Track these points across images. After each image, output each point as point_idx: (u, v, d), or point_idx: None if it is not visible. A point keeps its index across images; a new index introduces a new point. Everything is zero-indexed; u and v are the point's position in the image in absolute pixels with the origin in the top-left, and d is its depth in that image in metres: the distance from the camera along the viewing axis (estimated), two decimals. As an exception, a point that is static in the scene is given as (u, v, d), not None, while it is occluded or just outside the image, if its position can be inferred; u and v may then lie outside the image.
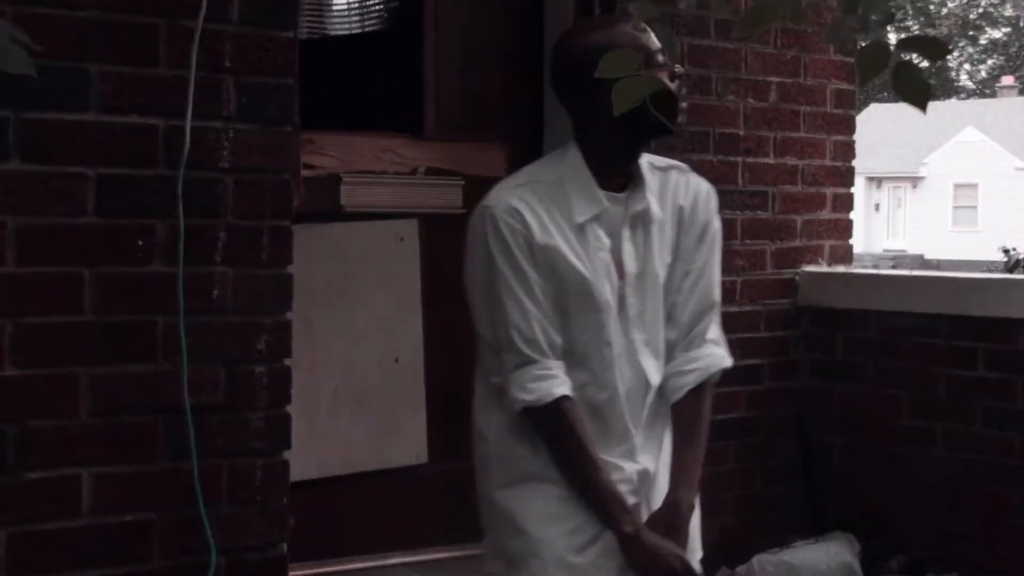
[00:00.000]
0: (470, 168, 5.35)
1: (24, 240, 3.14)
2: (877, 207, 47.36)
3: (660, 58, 3.16)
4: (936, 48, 2.23)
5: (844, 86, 6.06)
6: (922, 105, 2.25)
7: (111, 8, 3.20)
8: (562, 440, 3.15)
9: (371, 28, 7.13)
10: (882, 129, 44.82)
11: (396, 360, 5.24)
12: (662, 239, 3.27)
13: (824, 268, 5.96)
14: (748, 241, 5.74)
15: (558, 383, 3.13)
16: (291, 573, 4.75)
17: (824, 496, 5.84)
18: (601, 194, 3.18)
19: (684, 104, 3.34)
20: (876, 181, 47.12)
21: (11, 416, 3.16)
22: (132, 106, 3.22)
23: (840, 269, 6.00)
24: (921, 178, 46.36)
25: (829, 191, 6.04)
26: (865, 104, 47.95)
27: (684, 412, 3.29)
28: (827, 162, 6.02)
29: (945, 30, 49.36)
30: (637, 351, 3.23)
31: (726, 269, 5.56)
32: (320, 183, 5.07)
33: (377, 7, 7.12)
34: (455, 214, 5.29)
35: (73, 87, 3.15)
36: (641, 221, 3.23)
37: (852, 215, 6.17)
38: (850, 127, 6.14)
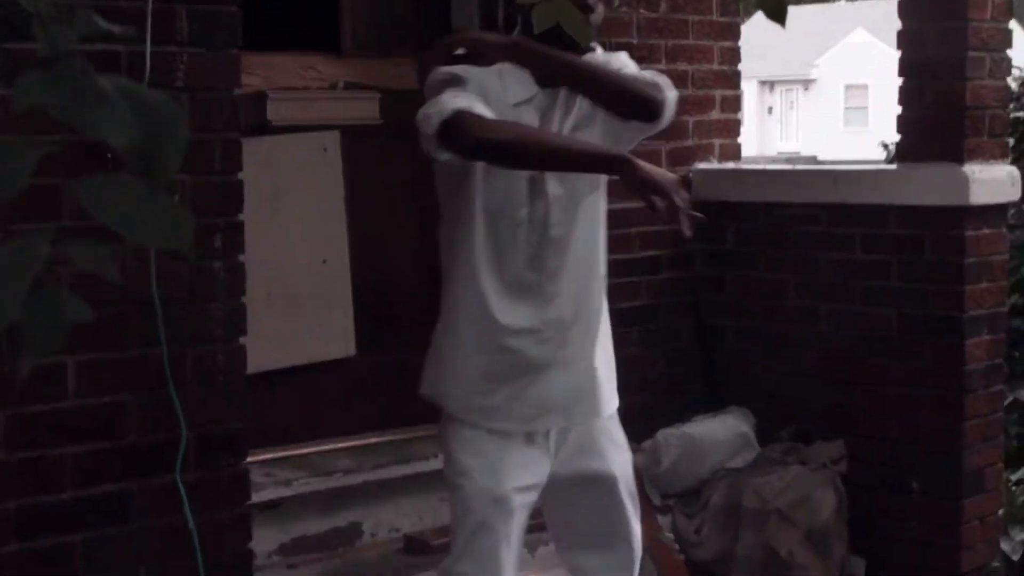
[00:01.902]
0: (385, 82, 5.73)
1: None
2: (770, 110, 47.94)
3: None
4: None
5: (729, -5, 6.51)
6: (780, 20, 2.67)
7: (70, -53, 3.57)
8: (497, 131, 3.41)
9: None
10: (772, 33, 45.18)
11: (324, 262, 5.62)
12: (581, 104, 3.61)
13: (715, 165, 6.40)
14: (644, 141, 6.12)
15: (475, 102, 3.41)
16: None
17: (721, 375, 6.30)
18: (533, 82, 3.52)
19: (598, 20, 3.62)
20: (768, 85, 47.62)
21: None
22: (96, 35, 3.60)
23: (730, 165, 6.45)
24: (812, 80, 46.94)
25: (718, 93, 6.48)
26: (756, 9, 48.41)
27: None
28: (715, 67, 6.45)
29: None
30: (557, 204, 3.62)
31: (625, 168, 6.02)
32: (248, 100, 5.41)
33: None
34: (373, 125, 5.71)
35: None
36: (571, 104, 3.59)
37: (740, 116, 6.62)
38: (735, 33, 6.57)
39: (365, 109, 5.69)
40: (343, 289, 5.66)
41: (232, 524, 3.91)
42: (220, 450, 3.88)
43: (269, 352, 5.40)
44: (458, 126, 3.34)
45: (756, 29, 47.78)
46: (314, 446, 5.49)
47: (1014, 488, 6.64)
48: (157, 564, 3.79)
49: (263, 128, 5.44)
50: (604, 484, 3.83)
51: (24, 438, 3.60)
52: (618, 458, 3.90)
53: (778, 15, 2.84)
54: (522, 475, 3.62)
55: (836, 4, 49.89)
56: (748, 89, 46.33)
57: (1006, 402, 6.23)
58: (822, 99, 46.26)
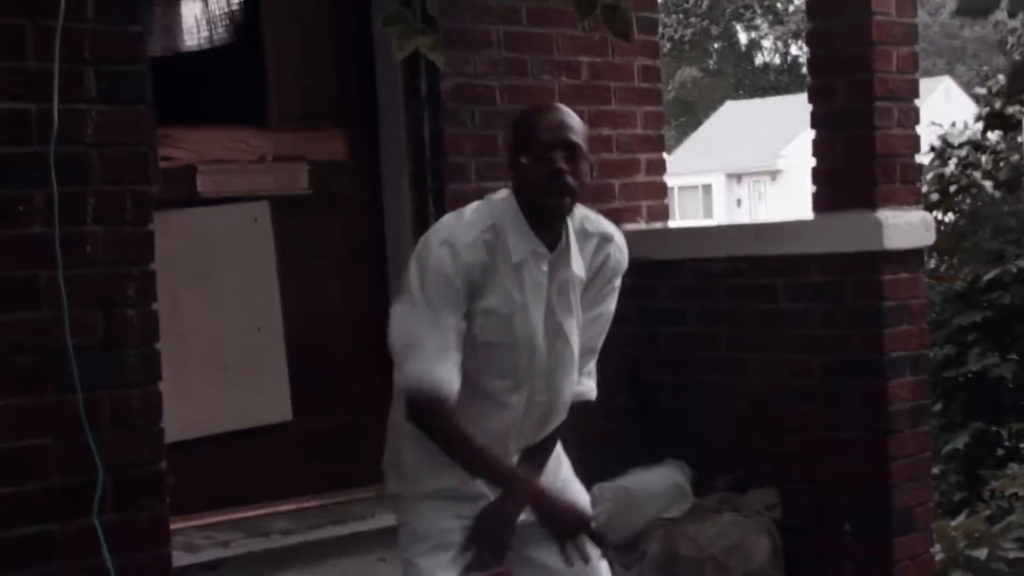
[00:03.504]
0: (313, 154, 5.89)
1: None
2: (739, 202, 48.27)
3: (551, 153, 3.50)
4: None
5: (649, 62, 6.68)
6: (626, 36, 2.85)
7: (-16, 13, 3.76)
8: (448, 430, 3.59)
9: (219, 42, 7.65)
10: (738, 125, 45.76)
11: (258, 329, 5.73)
12: (576, 293, 3.71)
13: (642, 225, 6.56)
14: (574, 204, 6.31)
15: (447, 384, 3.52)
16: (172, 526, 5.26)
17: (657, 429, 6.41)
18: (534, 236, 3.57)
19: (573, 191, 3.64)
20: (736, 177, 48.04)
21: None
22: (6, 94, 3.77)
23: (656, 225, 6.61)
24: (779, 171, 47.35)
25: (643, 157, 6.64)
26: (721, 102, 48.96)
27: None
28: (639, 131, 6.62)
29: (794, 26, 50.46)
30: (557, 381, 3.74)
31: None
32: (178, 173, 5.57)
33: (223, 22, 7.64)
34: (302, 195, 5.86)
35: (-46, 78, 3.71)
36: (569, 278, 3.66)
37: (665, 178, 6.78)
38: (658, 99, 6.76)
39: (294, 180, 5.84)
40: (277, 355, 5.76)
41: (151, 565, 4.01)
42: (138, 492, 3.99)
43: (204, 418, 5.50)
44: (421, 406, 3.57)
45: (722, 122, 48.45)
46: (252, 509, 5.58)
47: (953, 533, 6.74)
48: (79, 606, 3.88)
49: (193, 200, 5.58)
50: None
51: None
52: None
53: (623, 32, 3.03)
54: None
55: (799, 95, 50.33)
56: (716, 182, 46.85)
57: (944, 450, 6.37)
58: (789, 188, 46.61)
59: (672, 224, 6.82)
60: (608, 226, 3.83)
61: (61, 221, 3.82)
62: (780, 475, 5.98)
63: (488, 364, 3.63)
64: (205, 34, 7.86)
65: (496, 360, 3.63)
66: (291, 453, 5.77)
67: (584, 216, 3.76)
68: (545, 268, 3.61)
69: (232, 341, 5.65)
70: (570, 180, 3.53)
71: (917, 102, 5.95)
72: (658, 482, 6.05)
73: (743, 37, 55.14)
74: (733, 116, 47.24)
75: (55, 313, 3.82)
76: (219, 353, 5.64)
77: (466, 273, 3.53)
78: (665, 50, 53.30)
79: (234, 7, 7.35)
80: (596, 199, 6.37)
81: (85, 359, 3.86)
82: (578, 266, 3.68)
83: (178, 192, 5.54)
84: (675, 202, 35.14)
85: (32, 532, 3.81)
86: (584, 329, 3.79)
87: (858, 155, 5.78)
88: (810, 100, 6.02)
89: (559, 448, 4.02)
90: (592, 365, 3.93)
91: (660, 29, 6.56)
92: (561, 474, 4.05)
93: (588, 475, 6.02)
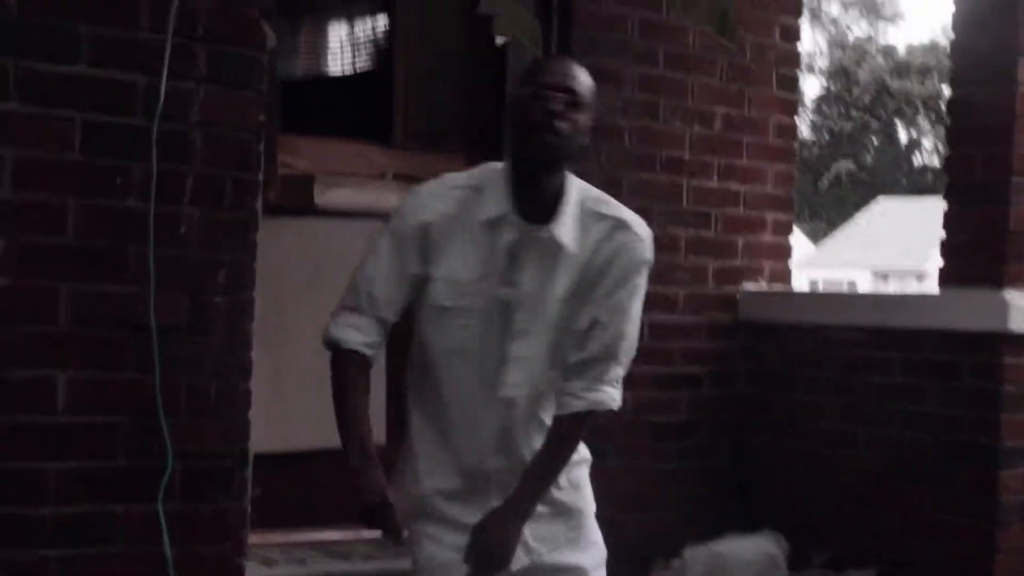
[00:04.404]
0: (435, 175, 5.80)
1: (19, 170, 3.65)
2: (882, 301, 47.49)
3: (555, 93, 3.31)
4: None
5: (786, 120, 6.55)
6: (729, 36, 2.75)
7: (103, -23, 3.75)
8: (344, 380, 3.57)
9: (361, 68, 7.67)
10: (890, 223, 45.21)
11: (360, 348, 5.66)
12: (567, 273, 3.44)
13: (762, 286, 6.41)
14: (691, 256, 6.19)
15: (367, 343, 3.49)
16: (258, 539, 5.19)
17: (757, 496, 6.25)
18: (510, 199, 3.36)
19: (577, 138, 3.45)
20: (883, 275, 47.46)
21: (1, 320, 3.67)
22: (116, 63, 3.74)
23: (777, 288, 6.45)
24: (926, 272, 46.67)
25: (770, 216, 6.51)
26: (872, 197, 48.46)
27: (560, 428, 3.50)
28: (768, 190, 6.49)
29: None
30: (507, 360, 3.43)
31: (670, 282, 6.05)
32: (296, 181, 5.55)
33: (366, 48, 7.66)
34: (419, 217, 5.78)
35: (65, 43, 3.67)
36: (551, 250, 3.41)
37: (791, 240, 6.63)
38: (790, 158, 6.62)
39: (413, 200, 5.76)
40: (377, 376, 5.66)
41: (211, 560, 3.92)
42: (207, 484, 3.91)
43: (299, 432, 5.45)
44: (339, 361, 3.57)
45: (873, 218, 47.88)
46: (340, 533, 5.55)
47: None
48: (135, 591, 3.81)
49: (309, 210, 5.54)
50: None
51: (10, 449, 3.66)
52: None
53: (724, 30, 2.92)
54: None
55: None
56: (862, 279, 46.27)
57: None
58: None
59: (792, 289, 6.65)
60: (628, 214, 3.52)
61: (158, 198, 3.78)
62: (880, 555, 5.77)
63: (442, 335, 3.43)
64: (348, 58, 7.90)
65: (449, 330, 3.42)
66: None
67: (599, 198, 3.52)
68: (513, 234, 3.39)
69: (332, 357, 5.58)
70: (562, 124, 3.32)
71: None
72: (751, 551, 5.89)
73: (903, 135, 54.53)
74: (885, 213, 46.69)
75: (141, 290, 3.77)
76: (319, 368, 5.57)
77: (426, 230, 3.39)
78: (824, 141, 53.02)
79: (378, 33, 7.37)
80: (717, 255, 6.27)
81: (167, 341, 3.81)
82: (569, 238, 3.41)
83: (294, 201, 5.50)
84: (815, 292, 34.55)
85: (94, 510, 3.75)
86: (599, 329, 3.49)
87: (990, 230, 5.57)
88: (946, 170, 5.83)
89: (582, 475, 3.68)
90: (616, 373, 3.54)
91: (819, 119, 6.42)
92: (580, 505, 3.68)
93: (683, 538, 5.93)
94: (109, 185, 3.74)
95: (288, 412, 5.39)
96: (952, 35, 5.83)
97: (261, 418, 4.97)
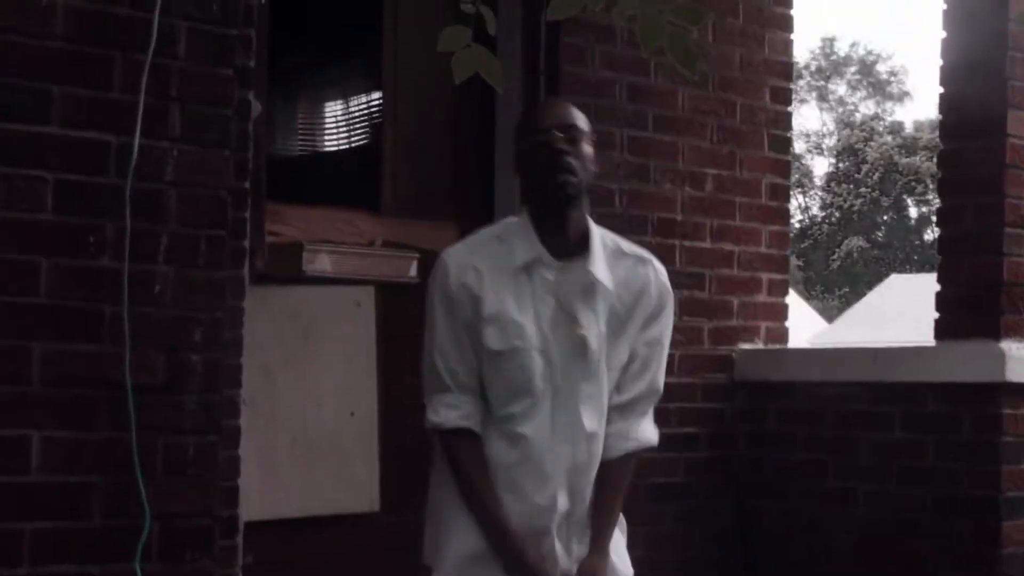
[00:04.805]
0: (424, 243, 5.81)
1: (-10, 229, 3.66)
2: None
3: (556, 133, 3.43)
4: (695, 16, 2.72)
5: (779, 181, 6.54)
6: (691, 67, 2.73)
7: (75, 40, 3.74)
8: (458, 465, 3.53)
9: (358, 143, 7.70)
10: (901, 299, 45.07)
11: (352, 414, 5.65)
12: (604, 309, 3.53)
13: (759, 346, 6.37)
14: (686, 318, 6.15)
15: (462, 415, 3.49)
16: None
17: (758, 557, 6.18)
18: (538, 241, 3.45)
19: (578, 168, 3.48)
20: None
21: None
22: (88, 123, 3.74)
23: (773, 346, 6.41)
24: (941, 349, 46.47)
25: (765, 276, 6.47)
26: (885, 274, 48.38)
27: (614, 471, 3.61)
28: (763, 249, 6.46)
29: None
30: (578, 397, 3.50)
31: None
32: (284, 250, 5.54)
33: (362, 123, 7.70)
34: (410, 283, 5.78)
35: (38, 103, 3.67)
36: (590, 287, 3.50)
37: (787, 300, 6.59)
38: (785, 219, 6.61)
39: (402, 268, 5.78)
40: (369, 443, 5.68)
41: (191, 622, 3.88)
42: (186, 543, 3.86)
43: (289, 499, 5.42)
44: (450, 439, 3.54)
45: (885, 297, 47.76)
46: (331, 599, 5.46)
47: None
48: (112, 654, 3.76)
49: (298, 278, 5.53)
50: None
51: (-19, 510, 3.63)
52: None
53: (690, 64, 2.92)
54: None
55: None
56: (876, 355, 46.09)
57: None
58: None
59: (788, 347, 6.61)
60: (644, 252, 3.69)
61: (131, 257, 3.76)
62: (883, 614, 5.69)
63: (499, 379, 3.49)
64: (342, 133, 7.93)
65: (505, 372, 3.48)
66: (375, 545, 5.63)
67: (617, 239, 3.65)
68: (552, 274, 3.48)
69: (324, 424, 5.59)
70: (570, 160, 3.45)
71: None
72: (753, 611, 5.81)
73: (913, 211, 54.57)
74: (897, 290, 46.56)
75: (116, 349, 3.74)
76: (310, 435, 5.56)
77: (467, 284, 3.47)
78: (833, 219, 53.06)
79: (370, 107, 7.40)
80: (711, 315, 6.24)
81: (143, 399, 3.78)
82: (603, 274, 3.52)
83: (282, 269, 5.49)
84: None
85: (71, 571, 3.70)
86: (638, 365, 3.61)
87: (984, 282, 5.54)
88: (938, 223, 5.81)
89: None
90: (649, 408, 3.71)
91: (829, 196, 6.43)
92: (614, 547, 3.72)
93: (683, 599, 5.87)
94: (82, 244, 3.73)
95: (279, 479, 5.36)
96: (941, 88, 5.82)
97: (252, 485, 4.96)
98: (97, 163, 3.75)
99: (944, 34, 5.75)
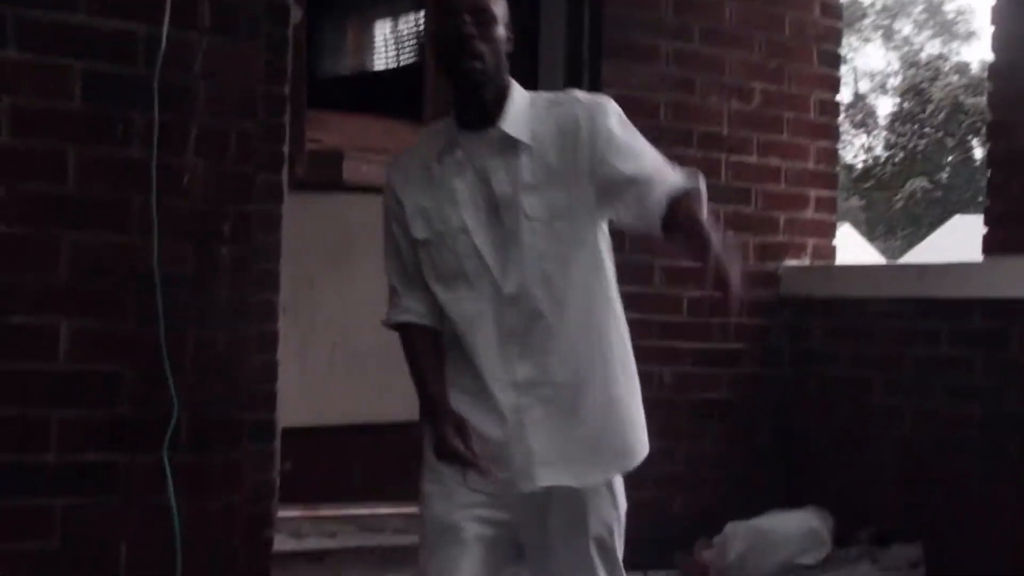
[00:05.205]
0: (464, 151, 5.77)
1: (18, 117, 3.63)
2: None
3: (465, 17, 3.31)
4: None
5: (828, 96, 6.45)
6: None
7: (102, -71, 3.73)
8: (406, 355, 3.52)
9: (405, 63, 7.66)
10: (964, 241, 44.69)
11: (392, 323, 5.62)
12: (529, 162, 3.39)
13: (804, 262, 6.30)
14: (731, 233, 6.09)
15: (403, 310, 3.48)
16: (285, 514, 5.15)
17: (801, 475, 6.12)
18: (454, 127, 3.39)
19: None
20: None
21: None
22: (115, 12, 3.72)
23: (819, 263, 6.34)
24: (1004, 291, 46.05)
25: (812, 193, 6.39)
26: (948, 215, 47.95)
27: (679, 213, 3.31)
28: (810, 166, 6.38)
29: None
30: (508, 264, 3.38)
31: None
32: (325, 157, 5.52)
33: (410, 43, 7.66)
34: (450, 193, 5.73)
35: (64, -10, 3.67)
36: (508, 147, 3.38)
37: (835, 217, 6.51)
38: (834, 135, 6.51)
39: (443, 177, 5.72)
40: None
41: (219, 514, 3.87)
42: (214, 435, 3.86)
43: (328, 407, 5.43)
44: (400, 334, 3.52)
45: (948, 238, 47.30)
46: (368, 507, 5.51)
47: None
48: (140, 542, 3.76)
49: (338, 186, 5.51)
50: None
51: (8, 395, 3.63)
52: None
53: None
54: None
55: None
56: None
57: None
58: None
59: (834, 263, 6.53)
60: (579, 92, 3.49)
61: (160, 148, 3.75)
62: (927, 531, 5.62)
63: (435, 271, 3.44)
64: (392, 55, 7.90)
65: (438, 262, 3.42)
66: (413, 454, 5.61)
67: (553, 94, 3.51)
68: (464, 150, 3.39)
69: (365, 333, 5.55)
70: (479, 44, 3.34)
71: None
72: (794, 526, 5.78)
73: (978, 152, 53.93)
74: (960, 231, 46.14)
75: (144, 240, 3.73)
76: (350, 343, 5.55)
77: (393, 187, 3.46)
78: (897, 159, 52.44)
79: (418, 25, 7.35)
80: (758, 231, 6.17)
81: (172, 292, 3.77)
82: (516, 129, 3.38)
83: (323, 176, 5.47)
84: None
85: (97, 460, 3.72)
86: (643, 195, 3.37)
87: (1033, 196, 5.45)
88: (988, 139, 5.71)
89: (618, 484, 3.53)
90: (664, 179, 3.38)
91: (893, 137, 6.33)
92: (615, 514, 3.52)
93: (727, 518, 5.82)
94: (110, 134, 3.71)
95: (318, 387, 5.36)
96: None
97: (291, 392, 4.95)
98: (125, 52, 3.73)
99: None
